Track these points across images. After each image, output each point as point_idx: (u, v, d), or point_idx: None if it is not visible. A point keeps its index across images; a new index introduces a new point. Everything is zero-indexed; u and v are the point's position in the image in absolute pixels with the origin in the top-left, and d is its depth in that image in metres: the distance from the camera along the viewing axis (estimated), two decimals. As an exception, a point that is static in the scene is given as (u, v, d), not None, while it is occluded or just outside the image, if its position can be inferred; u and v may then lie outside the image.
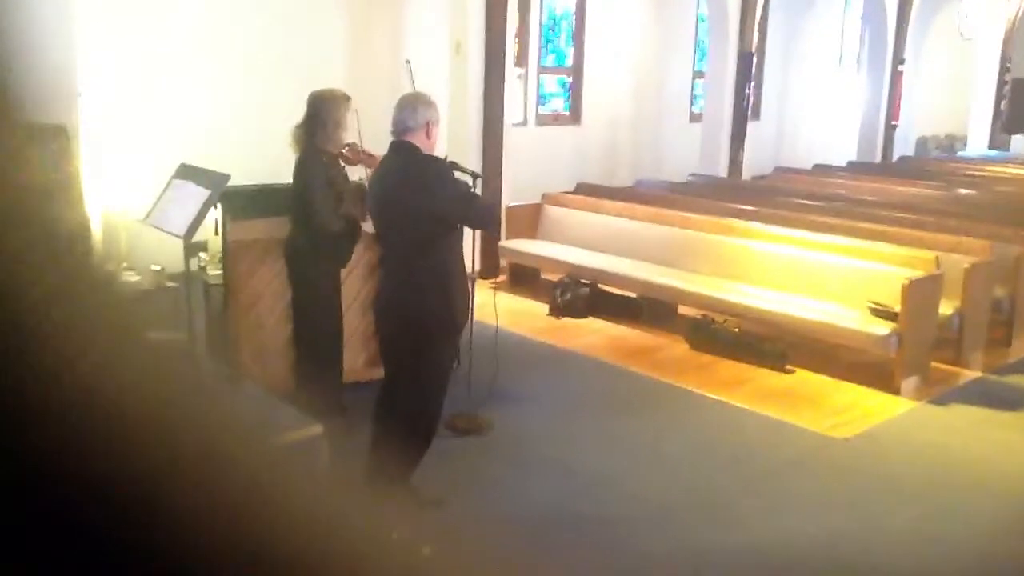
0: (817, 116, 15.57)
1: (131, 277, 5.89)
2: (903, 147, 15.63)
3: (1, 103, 0.41)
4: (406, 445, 4.13)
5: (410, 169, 3.87)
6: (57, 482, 0.36)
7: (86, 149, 6.39)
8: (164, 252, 5.66)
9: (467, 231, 4.59)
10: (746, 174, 11.59)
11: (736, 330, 6.56)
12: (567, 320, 7.40)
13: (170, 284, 5.86)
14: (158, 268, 5.90)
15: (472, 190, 4.21)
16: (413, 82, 5.12)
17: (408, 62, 5.31)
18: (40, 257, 0.41)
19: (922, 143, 16.95)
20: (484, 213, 4.16)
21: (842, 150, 14.49)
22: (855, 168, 12.52)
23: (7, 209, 0.41)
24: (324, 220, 4.55)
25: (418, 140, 3.86)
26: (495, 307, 5.61)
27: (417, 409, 4.07)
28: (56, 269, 0.41)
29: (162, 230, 3.81)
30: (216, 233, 5.23)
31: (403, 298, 3.91)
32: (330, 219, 4.56)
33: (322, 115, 4.62)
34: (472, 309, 5.21)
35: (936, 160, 14.65)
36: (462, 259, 4.03)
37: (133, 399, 0.40)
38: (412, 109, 3.85)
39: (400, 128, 3.87)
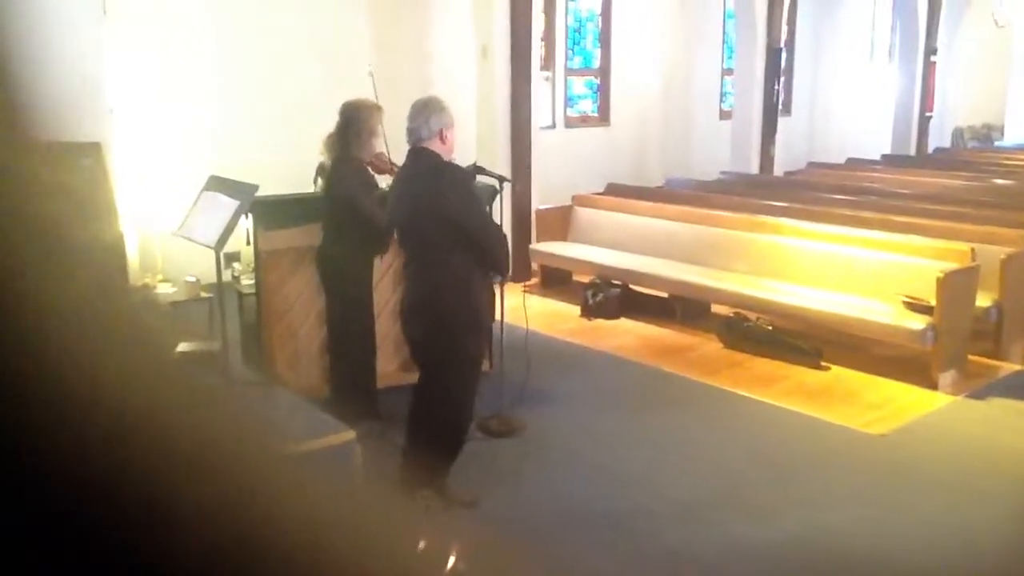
0: (849, 109, 15.39)
1: (166, 288, 5.99)
2: (938, 138, 15.41)
3: (11, 123, 0.42)
4: (438, 448, 4.17)
5: (426, 175, 3.92)
6: (70, 487, 0.37)
7: (119, 164, 6.49)
8: (199, 263, 5.74)
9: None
10: (778, 170, 11.49)
11: (769, 327, 6.51)
12: (599, 321, 7.39)
13: (204, 295, 5.94)
14: (193, 279, 5.99)
15: (486, 191, 4.19)
16: (376, 94, 5.12)
17: (371, 73, 5.29)
18: (62, 272, 0.42)
19: (958, 134, 16.69)
20: (496, 238, 4.02)
21: (876, 143, 14.31)
22: (889, 161, 12.37)
23: (20, 225, 0.42)
24: (377, 220, 4.55)
25: (434, 147, 3.92)
26: (525, 309, 5.62)
27: (448, 411, 4.11)
28: (79, 284, 0.42)
29: (193, 241, 3.86)
30: (248, 243, 5.30)
31: (426, 300, 3.96)
32: (381, 217, 4.58)
33: (357, 124, 4.68)
34: (503, 311, 5.24)
35: (972, 151, 14.44)
36: (480, 265, 4.03)
37: (148, 407, 0.41)
38: (424, 119, 3.90)
39: (414, 138, 3.93)
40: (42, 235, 0.44)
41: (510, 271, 4.34)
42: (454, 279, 3.88)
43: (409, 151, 4.01)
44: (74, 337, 0.40)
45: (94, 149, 4.57)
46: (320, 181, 5.87)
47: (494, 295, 4.34)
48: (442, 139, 3.93)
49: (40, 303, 0.40)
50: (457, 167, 4.05)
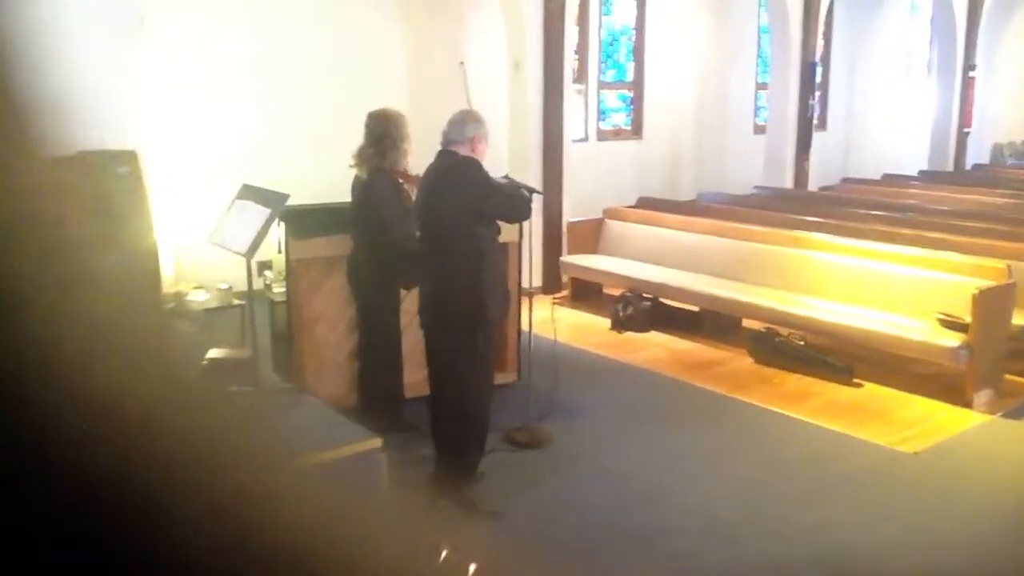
0: (886, 124, 15.24)
1: (199, 295, 6.05)
2: (977, 155, 15.22)
3: (18, 137, 0.42)
4: (458, 451, 4.23)
5: (450, 169, 4.14)
6: (78, 489, 0.37)
7: (155, 172, 6.58)
8: (233, 271, 5.80)
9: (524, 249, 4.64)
10: (812, 185, 11.40)
11: (801, 343, 6.45)
12: (629, 334, 7.36)
13: (237, 302, 6.00)
14: (225, 286, 6.05)
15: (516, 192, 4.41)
16: (467, 86, 5.21)
17: (462, 63, 5.39)
18: (86, 290, 0.42)
19: (997, 150, 16.46)
20: (516, 205, 4.28)
21: (912, 159, 14.17)
22: (926, 177, 12.24)
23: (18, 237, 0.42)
24: (400, 237, 4.62)
25: (462, 151, 4.14)
26: (553, 321, 5.61)
27: (463, 409, 4.21)
28: (103, 299, 0.42)
29: (226, 248, 3.91)
30: (279, 251, 5.35)
31: (438, 290, 4.16)
32: (405, 236, 4.64)
33: (392, 134, 4.72)
34: (531, 323, 5.25)
35: (1012, 167, 14.23)
36: (500, 259, 4.33)
37: (158, 415, 0.41)
38: (461, 125, 4.14)
39: (446, 140, 4.17)
40: (74, 250, 0.44)
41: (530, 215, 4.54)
42: (465, 269, 4.07)
43: (438, 152, 4.22)
44: (92, 348, 0.41)
45: (130, 157, 4.64)
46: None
47: (508, 292, 4.54)
48: (472, 148, 4.14)
49: (63, 315, 0.40)
50: (473, 160, 4.18)
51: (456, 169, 4.12)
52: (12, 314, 0.39)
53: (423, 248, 4.31)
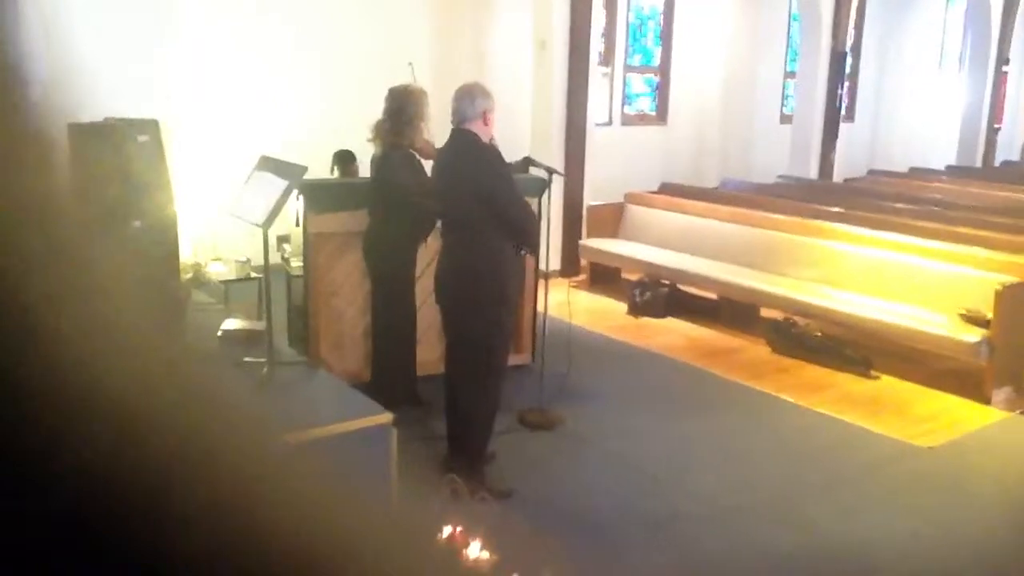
0: (915, 118, 15.06)
1: (218, 267, 6.07)
2: (1007, 151, 15.02)
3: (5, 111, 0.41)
4: (469, 428, 4.25)
5: (466, 154, 4.13)
6: (74, 486, 0.37)
7: (176, 142, 6.60)
8: (253, 243, 5.81)
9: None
10: (838, 176, 11.29)
11: (819, 334, 6.40)
12: (645, 319, 7.33)
13: (255, 275, 6.01)
14: (244, 259, 6.07)
15: (535, 183, 4.36)
16: (415, 80, 5.21)
17: (411, 64, 5.37)
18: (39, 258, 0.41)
19: (1028, 148, 16.24)
20: (523, 213, 4.18)
21: (941, 154, 13.99)
22: (954, 172, 12.09)
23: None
24: (424, 204, 4.60)
25: (476, 127, 4.11)
26: (569, 304, 5.60)
27: (477, 383, 4.21)
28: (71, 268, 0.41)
29: (243, 219, 3.90)
30: (297, 225, 5.35)
31: (456, 271, 4.15)
32: (431, 200, 4.61)
33: (408, 110, 4.70)
34: (546, 305, 5.23)
35: (1042, 164, 14.04)
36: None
37: (157, 407, 0.40)
38: (471, 99, 4.11)
39: (460, 117, 4.13)
40: (72, 230, 0.43)
41: (540, 247, 4.58)
42: (483, 252, 4.08)
43: (452, 131, 4.20)
44: (88, 334, 0.40)
45: (151, 126, 4.64)
46: (337, 169, 6.00)
47: (523, 270, 4.59)
48: (485, 120, 4.13)
49: (57, 304, 0.39)
50: (492, 147, 4.18)
51: (475, 155, 4.10)
52: (10, 308, 0.38)
53: (440, 217, 4.36)
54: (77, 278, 0.41)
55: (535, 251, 4.61)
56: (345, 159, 6.14)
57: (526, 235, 4.23)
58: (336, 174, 6.05)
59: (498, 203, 4.06)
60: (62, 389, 0.37)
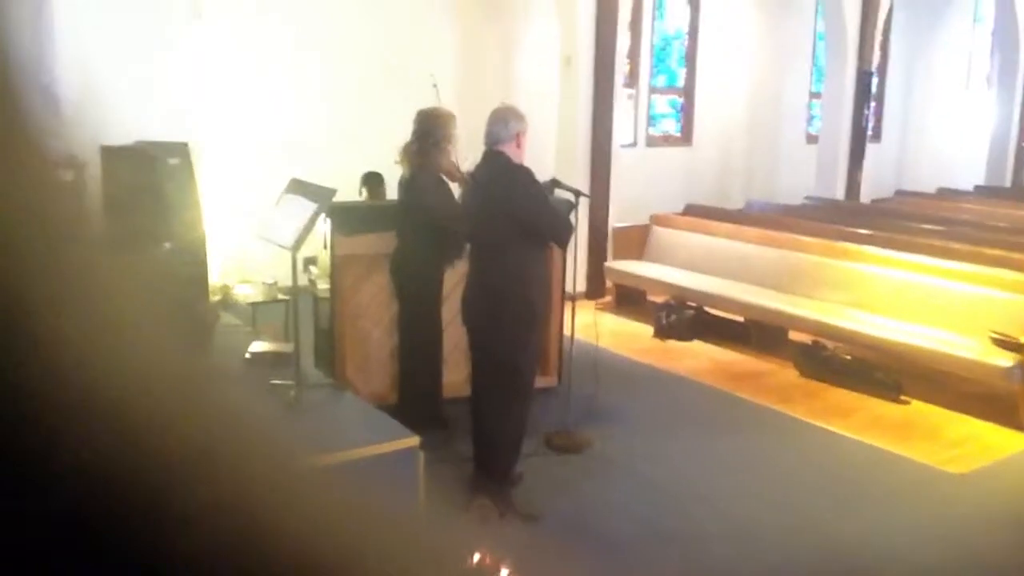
0: (942, 138, 14.94)
1: (245, 289, 6.12)
2: (1036, 171, 14.84)
3: (24, 131, 0.41)
4: (495, 450, 4.24)
5: (499, 176, 4.17)
6: (77, 487, 0.37)
7: (206, 165, 6.67)
8: (280, 265, 5.85)
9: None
10: (865, 197, 11.22)
11: (848, 357, 6.34)
12: (671, 342, 7.30)
13: (282, 297, 6.05)
14: (271, 281, 6.10)
15: (562, 205, 4.51)
16: (439, 100, 5.24)
17: (435, 85, 5.39)
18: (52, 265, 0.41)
19: (1058, 167, 16.05)
20: (559, 223, 4.32)
21: (969, 174, 13.86)
22: (983, 192, 11.98)
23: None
24: (446, 221, 4.65)
25: (509, 150, 4.15)
26: (596, 326, 5.58)
27: (506, 404, 4.21)
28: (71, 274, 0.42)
29: (272, 242, 3.93)
30: (325, 247, 5.38)
31: (484, 289, 4.18)
32: (459, 223, 4.65)
33: (436, 133, 4.73)
34: (573, 328, 5.22)
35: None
36: (544, 259, 4.37)
37: (161, 411, 0.40)
38: (504, 123, 4.16)
39: (493, 140, 4.17)
40: (82, 249, 0.43)
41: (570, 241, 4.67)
42: (513, 273, 4.12)
43: (484, 153, 4.24)
44: (94, 348, 0.40)
45: (182, 149, 4.69)
46: (365, 191, 6.03)
47: (551, 291, 4.66)
48: (518, 143, 4.18)
49: (65, 315, 0.40)
50: (526, 168, 4.21)
51: (508, 177, 4.15)
52: (12, 312, 0.38)
53: (471, 238, 4.39)
54: (81, 283, 0.41)
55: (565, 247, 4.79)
56: (373, 181, 6.18)
57: (562, 243, 4.48)
58: (364, 195, 6.09)
59: (529, 218, 4.11)
60: (62, 390, 0.37)
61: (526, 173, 4.17)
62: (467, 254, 4.56)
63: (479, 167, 4.29)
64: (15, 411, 0.36)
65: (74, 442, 0.37)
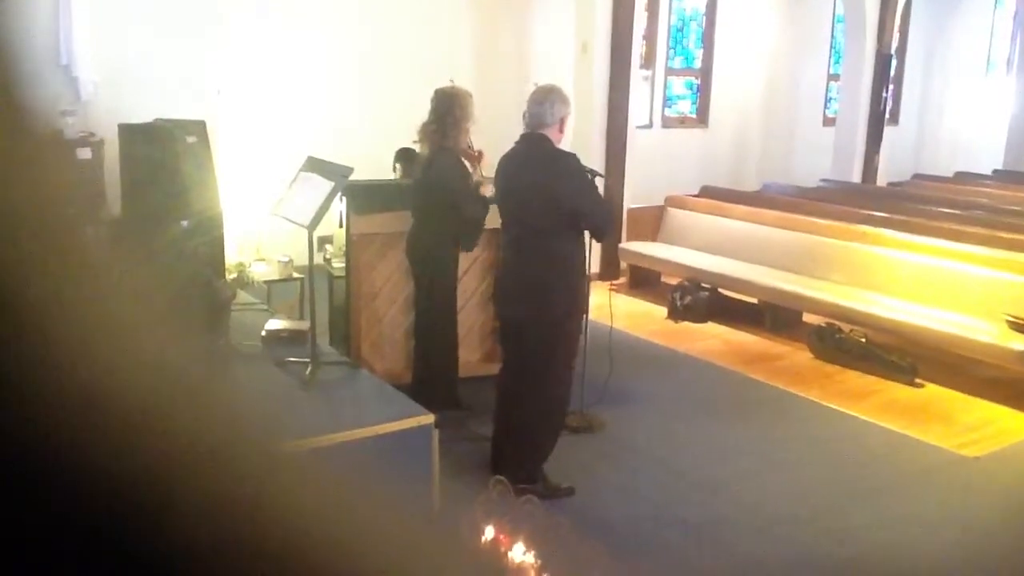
0: (961, 121, 14.79)
1: (261, 267, 6.14)
2: (1057, 155, 14.69)
3: (10, 112, 0.41)
4: (538, 436, 4.17)
5: (541, 161, 3.99)
6: (75, 485, 0.37)
7: (223, 143, 6.68)
8: (296, 243, 5.87)
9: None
10: (882, 180, 11.14)
11: (863, 340, 6.32)
12: (686, 324, 7.29)
13: (297, 275, 6.08)
14: (286, 259, 6.13)
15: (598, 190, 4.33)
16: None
17: (451, 80, 5.29)
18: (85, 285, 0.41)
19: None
20: (607, 218, 4.22)
21: (988, 158, 13.73)
22: (1001, 176, 11.87)
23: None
24: (473, 209, 4.65)
25: (551, 134, 3.98)
26: (611, 308, 5.58)
27: (549, 398, 4.14)
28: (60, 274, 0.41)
29: (288, 220, 3.94)
30: (340, 226, 5.39)
31: (532, 283, 4.00)
32: (476, 207, 4.66)
33: (455, 112, 4.69)
34: (587, 310, 5.22)
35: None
36: (582, 248, 4.16)
37: (159, 406, 0.40)
38: (550, 104, 3.96)
39: (536, 122, 3.98)
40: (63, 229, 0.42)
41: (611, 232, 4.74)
42: (557, 263, 3.97)
43: (522, 135, 4.06)
44: (92, 335, 0.40)
45: (199, 127, 4.70)
46: (399, 168, 5.98)
47: (589, 279, 4.48)
48: (561, 128, 4.01)
49: (54, 304, 0.39)
50: (570, 154, 4.08)
51: (555, 164, 3.97)
52: (13, 305, 0.38)
53: (503, 227, 4.22)
54: (81, 279, 0.41)
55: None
56: (408, 157, 6.15)
57: (606, 234, 4.35)
58: (399, 172, 6.00)
59: (579, 208, 3.93)
60: (62, 389, 0.37)
61: (575, 160, 4.02)
62: (484, 240, 4.52)
63: (516, 150, 4.09)
64: (15, 411, 0.36)
65: (74, 442, 0.37)
